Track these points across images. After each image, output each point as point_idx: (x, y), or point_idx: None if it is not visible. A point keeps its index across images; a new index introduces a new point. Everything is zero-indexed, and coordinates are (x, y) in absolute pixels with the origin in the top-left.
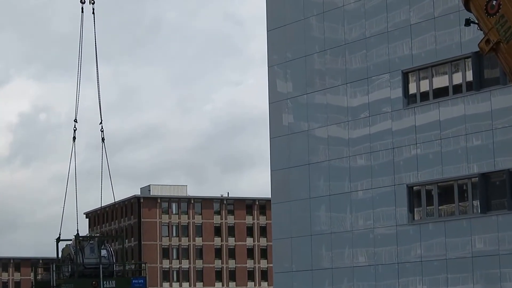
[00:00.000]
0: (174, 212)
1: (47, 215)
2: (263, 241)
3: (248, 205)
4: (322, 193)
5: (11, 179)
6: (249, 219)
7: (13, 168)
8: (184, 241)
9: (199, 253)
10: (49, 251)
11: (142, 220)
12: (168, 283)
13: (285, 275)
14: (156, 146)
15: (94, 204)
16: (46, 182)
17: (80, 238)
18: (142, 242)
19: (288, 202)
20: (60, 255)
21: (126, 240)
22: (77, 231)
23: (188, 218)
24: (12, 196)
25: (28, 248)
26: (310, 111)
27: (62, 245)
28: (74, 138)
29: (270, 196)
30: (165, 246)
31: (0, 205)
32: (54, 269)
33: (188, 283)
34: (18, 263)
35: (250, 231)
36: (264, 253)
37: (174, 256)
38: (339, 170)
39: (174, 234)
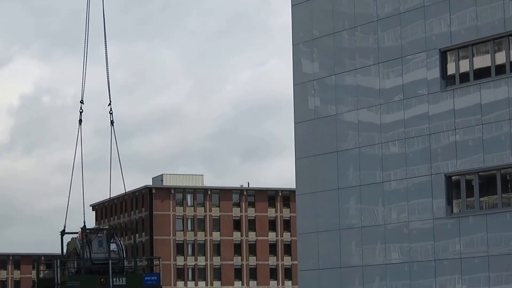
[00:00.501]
0: (189, 204)
1: (50, 208)
2: (286, 236)
3: (271, 196)
4: (352, 184)
5: (11, 168)
6: (271, 212)
7: (14, 156)
8: (200, 236)
9: (217, 249)
10: (52, 247)
11: (154, 213)
12: (183, 282)
13: (311, 273)
14: (170, 132)
15: (101, 196)
16: (49, 171)
17: (87, 231)
18: (154, 237)
19: (314, 193)
20: (65, 250)
21: (137, 235)
22: (84, 223)
23: (205, 211)
24: (12, 187)
25: (29, 244)
26: (338, 93)
27: (67, 238)
28: (80, 121)
29: (294, 187)
30: (179, 242)
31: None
32: (58, 265)
33: (204, 282)
34: (18, 260)
35: (272, 225)
36: (287, 249)
37: (189, 253)
38: (370, 158)
39: (189, 228)
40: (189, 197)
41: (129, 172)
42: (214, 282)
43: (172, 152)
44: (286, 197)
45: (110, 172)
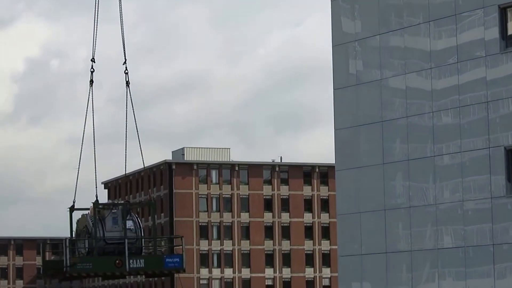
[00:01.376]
0: (214, 181)
1: (58, 186)
2: (324, 217)
3: (306, 172)
4: (399, 158)
5: (14, 142)
6: (307, 190)
7: (18, 128)
8: (227, 218)
9: (245, 232)
10: (60, 230)
11: (174, 191)
12: (207, 269)
13: (352, 259)
14: (194, 100)
15: (114, 172)
16: (58, 145)
17: (100, 206)
18: (174, 219)
19: (356, 169)
20: (74, 228)
21: (155, 216)
22: (96, 197)
23: (232, 189)
24: (15, 162)
25: (33, 227)
26: (383, 56)
27: (77, 215)
28: (91, 81)
29: (333, 162)
30: (203, 224)
31: (0, 172)
32: (67, 245)
33: (231, 269)
34: (20, 245)
35: (308, 205)
36: (325, 232)
37: (215, 236)
38: (419, 129)
39: (214, 209)
40: (214, 174)
41: (147, 146)
42: (242, 269)
43: (196, 123)
44: (323, 173)
45: (126, 142)
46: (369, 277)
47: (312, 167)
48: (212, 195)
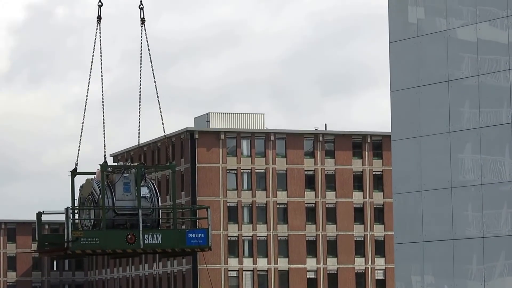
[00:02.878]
0: (245, 153)
1: (61, 162)
2: (378, 197)
3: (356, 143)
4: (468, 125)
5: (11, 106)
6: (357, 164)
7: (15, 90)
8: (260, 197)
9: (283, 214)
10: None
11: (197, 165)
12: (236, 259)
13: (412, 247)
14: (226, 56)
15: (125, 143)
16: (62, 110)
17: (109, 169)
18: (198, 198)
19: (417, 139)
20: (77, 196)
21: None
22: (104, 158)
23: (266, 163)
24: (10, 131)
25: (30, 208)
26: (449, 1)
27: (80, 180)
28: (98, 18)
29: (389, 130)
30: (232, 204)
31: None
32: (69, 215)
33: (266, 259)
34: (13, 230)
35: (358, 182)
36: (379, 215)
37: (245, 219)
38: (493, 90)
39: (245, 187)
40: (245, 144)
41: (165, 111)
42: (279, 259)
43: (225, 84)
44: (377, 144)
45: (140, 102)
46: (432, 270)
47: (363, 136)
48: (242, 170)
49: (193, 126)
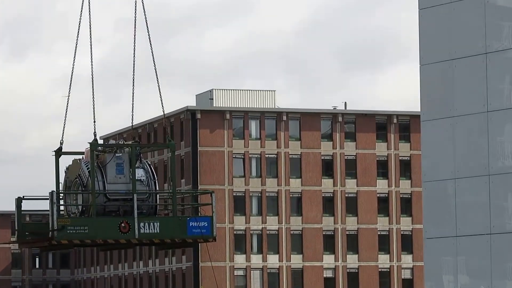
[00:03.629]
0: (253, 135)
1: (46, 144)
2: (404, 185)
3: (381, 124)
4: (509, 104)
5: None
6: (381, 148)
7: None
8: (271, 185)
9: (296, 204)
10: (42, 202)
11: (199, 149)
12: (244, 255)
13: (443, 242)
14: (234, 26)
15: (118, 124)
16: (48, 86)
17: (100, 148)
18: (199, 186)
19: (450, 119)
20: (63, 179)
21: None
22: (95, 135)
23: (278, 146)
24: None
25: (7, 198)
26: None
27: (66, 161)
28: None
29: (418, 110)
30: (238, 194)
31: None
32: (54, 201)
33: (277, 256)
34: None
35: (383, 168)
36: (406, 206)
37: (254, 211)
38: None
39: (254, 174)
40: (253, 125)
41: (163, 87)
42: (291, 256)
43: (231, 56)
44: (404, 125)
45: (134, 76)
46: (467, 268)
47: (389, 116)
48: (250, 155)
49: (195, 105)
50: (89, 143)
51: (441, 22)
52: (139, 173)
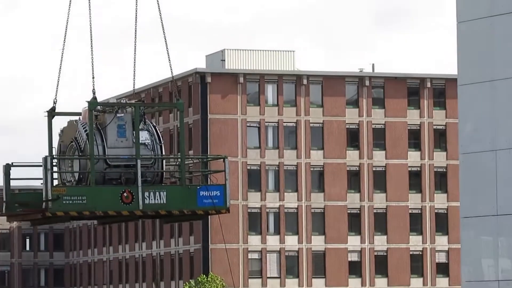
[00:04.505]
0: (270, 101)
1: (38, 112)
2: (439, 158)
3: (413, 89)
4: None
5: None
6: (412, 116)
7: None
8: (290, 158)
9: (318, 179)
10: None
11: (209, 117)
12: (259, 236)
13: (483, 221)
14: None
15: (118, 89)
16: (41, 43)
17: (99, 108)
18: (209, 159)
19: (491, 83)
20: (57, 143)
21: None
22: (93, 93)
23: (297, 114)
24: None
25: None
26: None
27: (60, 122)
28: None
29: (454, 73)
30: (253, 167)
31: None
32: (48, 166)
33: (296, 236)
34: None
35: (415, 138)
36: (441, 181)
37: (270, 186)
38: None
39: (271, 144)
40: (270, 90)
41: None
42: (312, 237)
43: (245, 14)
44: (439, 90)
45: (136, 36)
46: (509, 251)
47: (421, 80)
48: (267, 123)
49: (204, 67)
50: (87, 101)
51: None
52: (143, 136)
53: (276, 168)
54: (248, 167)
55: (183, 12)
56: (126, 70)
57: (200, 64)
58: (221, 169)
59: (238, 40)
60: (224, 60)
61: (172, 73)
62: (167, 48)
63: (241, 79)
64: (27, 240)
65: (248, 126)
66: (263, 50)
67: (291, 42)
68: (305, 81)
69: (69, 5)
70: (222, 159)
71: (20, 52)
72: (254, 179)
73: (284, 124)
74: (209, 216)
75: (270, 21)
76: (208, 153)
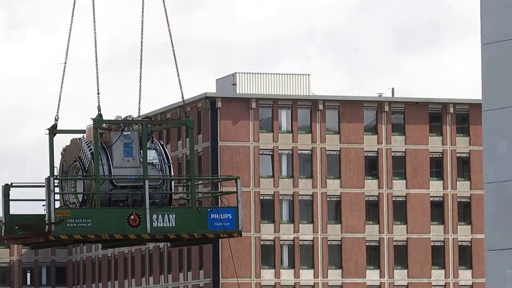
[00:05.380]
0: (284, 128)
1: (37, 140)
2: (463, 187)
3: (435, 114)
4: None
5: None
6: (434, 143)
7: None
8: (305, 187)
9: (335, 210)
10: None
11: (219, 144)
12: (273, 270)
13: (509, 255)
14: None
15: (125, 113)
16: (45, 70)
17: (105, 125)
18: (221, 188)
19: None
20: (59, 163)
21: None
22: (99, 110)
23: (313, 141)
24: None
25: None
26: None
27: (62, 141)
28: None
29: (479, 97)
30: (266, 197)
31: None
32: (52, 187)
33: (312, 270)
34: None
35: (437, 166)
36: (465, 212)
37: (285, 217)
38: None
39: (285, 173)
40: (283, 116)
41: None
42: (329, 271)
43: (261, 35)
44: (462, 115)
45: (141, 58)
46: None
47: (444, 105)
48: (280, 151)
49: (215, 91)
50: (93, 119)
51: None
52: (151, 156)
53: (291, 198)
54: (261, 197)
55: (192, 33)
56: (133, 94)
57: (210, 88)
58: (233, 191)
59: (250, 63)
60: (236, 84)
61: (182, 96)
62: (178, 74)
63: (253, 104)
64: (28, 274)
65: (260, 153)
66: (276, 74)
67: (306, 65)
68: (321, 106)
69: (73, 7)
70: (234, 180)
71: (21, 81)
72: (267, 210)
73: (299, 151)
74: (220, 240)
75: (284, 43)
76: (219, 183)
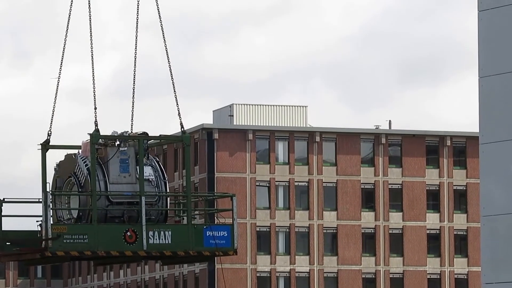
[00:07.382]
0: (280, 159)
1: (36, 171)
2: (459, 220)
3: (431, 147)
4: None
5: None
6: (431, 176)
7: None
8: (301, 219)
9: (331, 242)
10: (26, 207)
11: (216, 175)
12: None
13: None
14: (266, 31)
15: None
16: (49, 98)
17: (101, 141)
18: (215, 218)
19: None
20: (51, 179)
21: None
22: (96, 125)
23: (309, 172)
24: None
25: None
26: None
27: (56, 156)
28: None
29: (476, 130)
30: (262, 229)
31: None
32: (48, 203)
33: None
34: None
35: (433, 199)
36: (461, 245)
37: (281, 249)
38: None
39: (281, 205)
40: (280, 147)
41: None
42: None
43: (255, 66)
44: (459, 148)
45: (134, 93)
46: None
47: (441, 138)
48: (277, 182)
49: (211, 122)
50: (90, 134)
51: (505, 26)
52: (147, 172)
53: (287, 230)
54: (257, 229)
55: (188, 64)
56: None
57: (207, 119)
58: (229, 208)
59: (247, 94)
60: (232, 116)
61: (183, 127)
62: (177, 106)
63: (250, 136)
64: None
65: (257, 185)
66: (273, 105)
67: (303, 97)
68: (317, 138)
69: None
70: (230, 197)
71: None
72: (264, 242)
73: (296, 183)
74: (215, 258)
75: (281, 74)
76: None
